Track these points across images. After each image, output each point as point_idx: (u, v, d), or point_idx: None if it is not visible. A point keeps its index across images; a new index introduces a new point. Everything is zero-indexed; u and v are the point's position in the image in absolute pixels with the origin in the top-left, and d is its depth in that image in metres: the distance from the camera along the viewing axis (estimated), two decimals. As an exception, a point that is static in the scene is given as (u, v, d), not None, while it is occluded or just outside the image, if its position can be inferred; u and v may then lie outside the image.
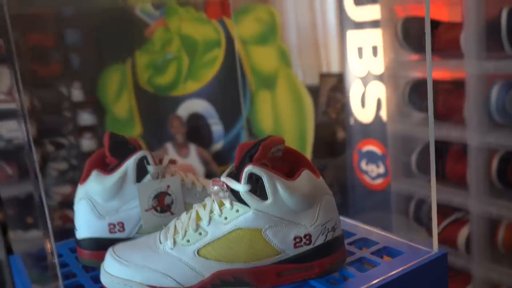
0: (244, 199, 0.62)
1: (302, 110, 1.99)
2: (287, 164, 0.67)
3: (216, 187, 0.65)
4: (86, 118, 2.88)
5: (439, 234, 1.55)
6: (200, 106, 2.12)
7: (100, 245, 0.72)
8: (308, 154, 2.05)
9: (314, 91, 2.37)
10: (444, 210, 1.54)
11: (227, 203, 0.63)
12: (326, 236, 0.65)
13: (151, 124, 2.23)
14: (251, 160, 0.62)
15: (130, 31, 2.20)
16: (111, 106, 2.30)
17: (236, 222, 0.62)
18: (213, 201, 0.65)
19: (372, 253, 0.72)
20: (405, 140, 1.64)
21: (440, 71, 1.53)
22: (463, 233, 1.47)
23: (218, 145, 2.14)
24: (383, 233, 0.79)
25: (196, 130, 2.13)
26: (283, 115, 1.96)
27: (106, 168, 0.75)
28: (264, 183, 0.61)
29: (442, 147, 1.53)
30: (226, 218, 0.63)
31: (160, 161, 0.78)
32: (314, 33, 2.24)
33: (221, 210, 0.64)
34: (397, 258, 0.70)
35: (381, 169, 1.79)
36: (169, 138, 2.18)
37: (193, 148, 2.13)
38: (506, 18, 1.27)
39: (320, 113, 2.36)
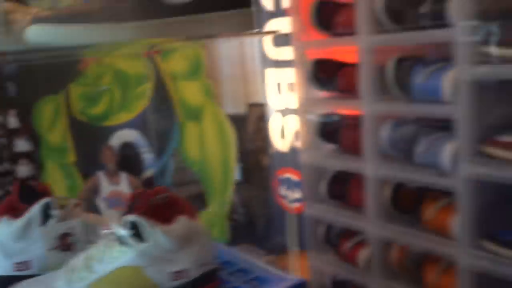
0: (127, 242, 0.74)
1: (226, 140, 2.14)
2: (169, 209, 0.79)
3: (106, 231, 0.77)
4: (21, 144, 2.91)
5: (345, 254, 1.72)
6: (131, 136, 2.23)
7: (6, 283, 0.82)
8: (232, 179, 2.19)
9: (242, 120, 2.52)
10: (349, 232, 1.71)
11: (114, 245, 0.75)
12: (201, 269, 0.78)
13: (84, 153, 2.32)
14: (132, 209, 0.75)
15: (65, 64, 2.28)
16: (46, 134, 2.37)
17: (121, 261, 0.74)
18: (105, 242, 0.77)
19: (245, 282, 0.86)
20: (316, 169, 1.80)
21: (344, 108, 1.70)
22: (363, 253, 1.64)
23: (148, 173, 2.25)
24: (261, 262, 0.93)
25: (127, 158, 2.23)
26: (208, 145, 2.10)
27: (15, 213, 0.85)
28: (143, 229, 0.74)
29: (345, 176, 1.70)
30: (113, 257, 0.75)
31: (63, 206, 0.88)
32: (243, 67, 2.40)
33: (110, 251, 0.76)
34: (263, 286, 0.83)
35: (297, 195, 1.95)
36: (102, 167, 2.26)
37: (124, 176, 2.23)
38: (392, 66, 1.46)
39: (247, 141, 2.51)
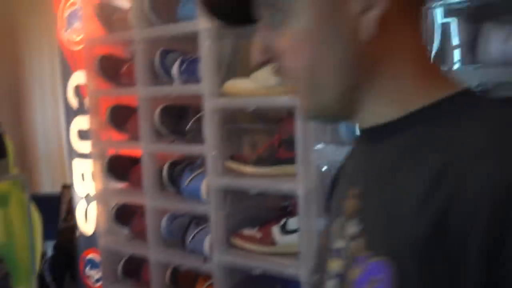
0: None
1: (31, 222, 2.26)
2: None
3: None
4: None
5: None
6: None
7: None
8: (38, 259, 2.30)
9: (57, 200, 2.66)
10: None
11: None
12: None
13: None
14: None
15: None
16: None
17: None
18: None
19: None
20: (113, 252, 2.00)
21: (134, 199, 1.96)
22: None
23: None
24: None
25: None
26: (14, 228, 2.20)
27: None
28: None
29: (138, 260, 1.94)
30: None
31: None
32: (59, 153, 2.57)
33: None
34: None
35: (99, 274, 2.13)
36: None
37: None
38: (166, 170, 1.76)
39: (61, 220, 2.64)
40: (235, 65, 1.65)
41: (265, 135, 1.66)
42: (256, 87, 1.51)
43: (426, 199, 0.42)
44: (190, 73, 1.67)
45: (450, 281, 0.39)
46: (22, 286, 2.26)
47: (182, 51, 1.74)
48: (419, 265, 0.41)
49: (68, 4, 2.17)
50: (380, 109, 0.50)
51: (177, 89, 1.72)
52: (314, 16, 0.48)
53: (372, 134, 0.52)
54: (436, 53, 1.21)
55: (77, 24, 2.11)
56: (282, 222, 1.57)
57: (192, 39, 1.59)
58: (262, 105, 1.52)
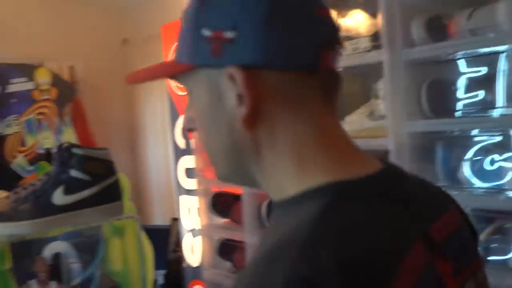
0: None
1: (143, 252, 2.46)
2: None
3: None
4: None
5: None
6: (62, 247, 2.52)
7: None
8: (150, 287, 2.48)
9: (167, 232, 2.86)
10: None
11: None
12: None
13: (20, 261, 2.57)
14: None
15: (5, 180, 2.58)
16: (-13, 242, 2.61)
17: None
18: None
19: None
20: (217, 284, 2.12)
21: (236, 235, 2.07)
22: None
23: (75, 282, 2.52)
24: None
25: (58, 268, 2.50)
26: (129, 258, 2.40)
27: None
28: None
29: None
30: None
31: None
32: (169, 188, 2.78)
33: None
34: None
35: (205, 306, 2.25)
36: (34, 276, 2.52)
37: (54, 285, 2.48)
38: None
39: (170, 251, 2.83)
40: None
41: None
42: (351, 130, 1.56)
43: None
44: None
45: None
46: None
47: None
48: None
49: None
50: (269, 189, 0.56)
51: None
52: (199, 107, 0.56)
53: (272, 205, 0.58)
54: None
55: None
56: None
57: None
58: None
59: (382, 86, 1.43)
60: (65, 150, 1.03)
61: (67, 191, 1.02)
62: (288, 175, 0.54)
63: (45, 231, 1.03)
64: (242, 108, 0.52)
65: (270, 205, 2.02)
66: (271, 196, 0.57)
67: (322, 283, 0.42)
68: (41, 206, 1.01)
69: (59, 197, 1.02)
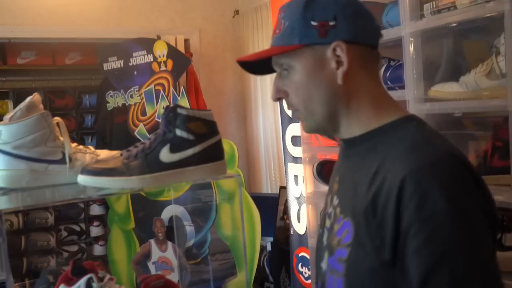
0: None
1: (251, 219, 2.52)
2: (164, 290, 1.19)
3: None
4: (96, 209, 3.47)
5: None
6: (178, 211, 2.67)
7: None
8: (257, 253, 2.55)
9: (276, 200, 2.91)
10: None
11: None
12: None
13: (141, 221, 2.79)
14: (138, 289, 1.15)
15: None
16: (114, 203, 2.87)
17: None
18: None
19: None
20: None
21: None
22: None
23: (189, 243, 2.67)
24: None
25: (174, 230, 2.67)
26: (238, 223, 2.49)
27: (69, 282, 1.28)
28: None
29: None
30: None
31: (102, 279, 1.30)
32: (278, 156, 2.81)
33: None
34: None
35: (309, 272, 2.27)
36: (153, 235, 2.72)
37: (170, 245, 2.66)
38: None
39: (278, 219, 2.88)
40: (451, 67, 1.60)
41: (476, 141, 1.57)
42: (465, 91, 1.45)
43: (369, 186, 0.78)
44: (396, 79, 1.68)
45: (378, 229, 0.75)
46: (243, 275, 2.54)
47: (388, 57, 1.76)
48: (365, 222, 0.77)
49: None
50: (351, 128, 0.86)
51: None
52: (305, 73, 0.84)
53: (347, 143, 0.89)
54: None
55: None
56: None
57: (397, 45, 1.60)
58: (471, 109, 1.45)
59: (503, 42, 1.30)
60: (170, 111, 1.08)
61: (173, 150, 1.07)
62: (370, 114, 0.85)
63: (153, 186, 1.09)
64: (341, 69, 0.82)
65: (323, 164, 1.97)
66: (350, 133, 0.86)
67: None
68: (149, 163, 1.07)
69: (165, 155, 1.07)
